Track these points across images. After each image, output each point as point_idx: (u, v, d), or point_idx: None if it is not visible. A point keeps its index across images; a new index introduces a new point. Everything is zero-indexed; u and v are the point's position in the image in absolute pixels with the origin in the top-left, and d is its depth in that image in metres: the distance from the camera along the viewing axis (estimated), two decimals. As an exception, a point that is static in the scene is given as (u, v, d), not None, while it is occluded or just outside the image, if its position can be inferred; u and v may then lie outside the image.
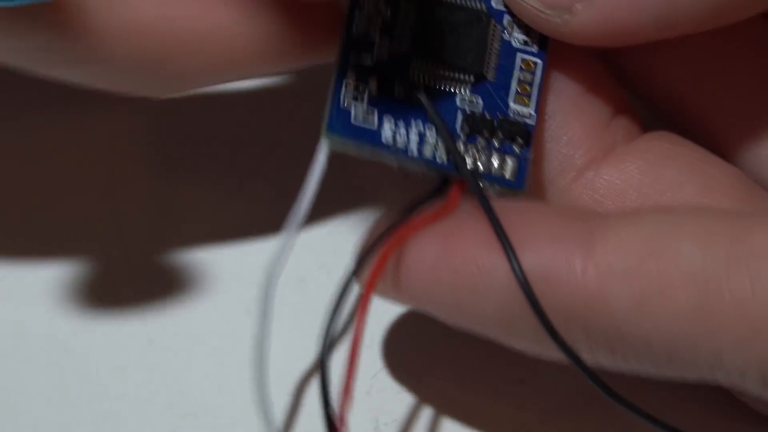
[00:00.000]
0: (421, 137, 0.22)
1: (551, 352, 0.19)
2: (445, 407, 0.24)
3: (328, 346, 0.21)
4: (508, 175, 0.22)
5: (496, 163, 0.22)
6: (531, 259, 0.18)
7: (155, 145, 0.27)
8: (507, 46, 0.23)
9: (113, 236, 0.26)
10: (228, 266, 0.26)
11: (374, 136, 0.22)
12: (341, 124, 0.22)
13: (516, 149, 0.22)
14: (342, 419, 0.21)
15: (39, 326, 0.25)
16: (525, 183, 0.22)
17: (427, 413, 0.24)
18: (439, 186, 0.22)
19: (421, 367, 0.25)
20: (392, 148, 0.22)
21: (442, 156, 0.22)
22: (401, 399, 0.24)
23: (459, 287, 0.19)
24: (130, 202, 0.26)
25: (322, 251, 0.26)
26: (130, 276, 0.26)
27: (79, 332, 0.25)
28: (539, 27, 0.20)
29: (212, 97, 0.27)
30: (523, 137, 0.22)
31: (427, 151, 0.22)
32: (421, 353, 0.25)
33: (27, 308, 0.25)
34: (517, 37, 0.22)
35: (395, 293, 0.20)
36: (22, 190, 0.26)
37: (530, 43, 0.22)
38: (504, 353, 0.25)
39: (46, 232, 0.26)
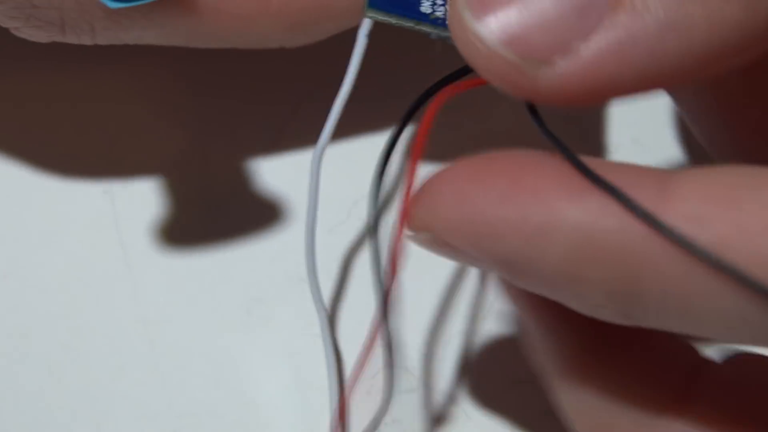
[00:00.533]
0: None
1: (604, 307, 0.17)
2: (444, 407, 0.24)
3: (378, 209, 0.21)
4: None
5: None
6: (603, 203, 0.16)
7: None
8: None
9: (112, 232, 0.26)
10: (228, 266, 0.26)
11: (413, 7, 0.22)
12: None
13: None
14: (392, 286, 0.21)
15: (39, 326, 0.25)
16: None
17: (427, 413, 0.24)
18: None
19: (421, 367, 0.25)
20: (431, 18, 0.22)
21: None
22: (401, 399, 0.24)
23: (524, 228, 0.17)
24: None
25: (322, 251, 0.26)
26: (131, 276, 0.26)
27: (79, 332, 0.25)
28: (511, 82, 0.17)
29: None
30: None
31: None
32: (421, 353, 0.25)
33: (27, 308, 0.25)
34: None
35: (444, 229, 0.18)
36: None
37: None
38: (504, 353, 0.25)
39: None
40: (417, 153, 0.20)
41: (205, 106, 0.27)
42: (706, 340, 0.21)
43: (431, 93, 0.20)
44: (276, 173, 0.27)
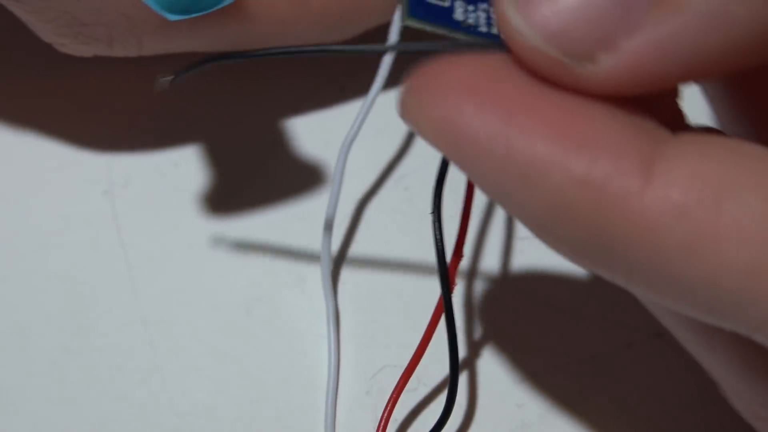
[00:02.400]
0: (488, 15, 0.23)
1: (573, 255, 0.17)
2: (445, 407, 0.24)
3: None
4: None
5: None
6: (589, 165, 0.16)
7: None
8: None
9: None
10: (228, 266, 0.26)
11: (448, 16, 0.23)
12: (420, 6, 0.22)
13: None
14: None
15: (39, 326, 0.25)
16: None
17: (427, 413, 0.24)
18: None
19: (420, 367, 0.25)
20: (463, 26, 0.23)
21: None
22: (401, 399, 0.24)
23: (510, 168, 0.17)
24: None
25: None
26: (131, 276, 0.26)
27: (79, 332, 0.25)
28: (555, 77, 0.18)
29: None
30: None
31: (495, 28, 0.23)
32: (421, 353, 0.25)
33: (27, 308, 0.25)
34: None
35: (438, 141, 0.18)
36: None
37: None
38: (503, 353, 0.25)
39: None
40: None
41: (209, 109, 0.28)
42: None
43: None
44: (276, 173, 0.27)
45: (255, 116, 0.27)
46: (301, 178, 0.27)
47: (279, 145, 0.27)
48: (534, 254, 0.26)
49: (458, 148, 0.17)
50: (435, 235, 0.22)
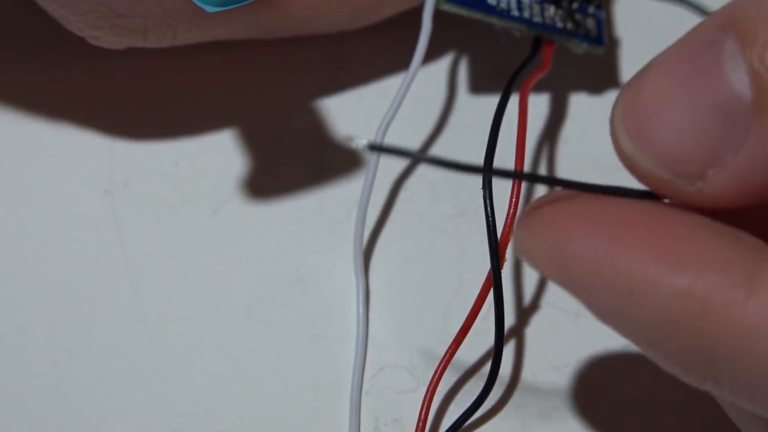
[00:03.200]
0: (519, 1, 0.25)
1: (677, 369, 0.18)
2: (447, 407, 0.24)
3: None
4: (590, 33, 0.26)
5: (580, 22, 0.26)
6: (693, 281, 0.17)
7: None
8: None
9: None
10: (228, 266, 0.26)
11: (482, 0, 0.25)
12: None
13: (591, 10, 0.26)
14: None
15: (39, 326, 0.25)
16: (604, 40, 0.26)
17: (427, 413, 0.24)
18: (533, 49, 0.25)
19: (421, 367, 0.25)
20: (497, 10, 0.25)
21: (537, 17, 0.25)
22: (401, 399, 0.24)
23: (617, 287, 0.17)
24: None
25: (322, 250, 0.26)
26: (131, 276, 0.26)
27: (79, 332, 0.25)
28: (669, 195, 0.18)
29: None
30: None
31: (525, 12, 0.25)
32: (421, 353, 0.25)
33: (27, 308, 0.25)
34: None
35: (549, 269, 0.19)
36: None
37: None
38: (504, 353, 0.25)
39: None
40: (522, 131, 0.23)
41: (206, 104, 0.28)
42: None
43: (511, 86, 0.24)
44: (275, 173, 0.27)
45: (254, 116, 0.27)
46: (301, 178, 0.27)
47: (279, 145, 0.27)
48: (534, 254, 0.26)
49: (568, 272, 0.18)
50: (486, 208, 0.22)
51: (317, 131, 0.27)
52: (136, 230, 0.26)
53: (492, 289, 0.23)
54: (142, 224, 0.26)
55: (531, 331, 0.25)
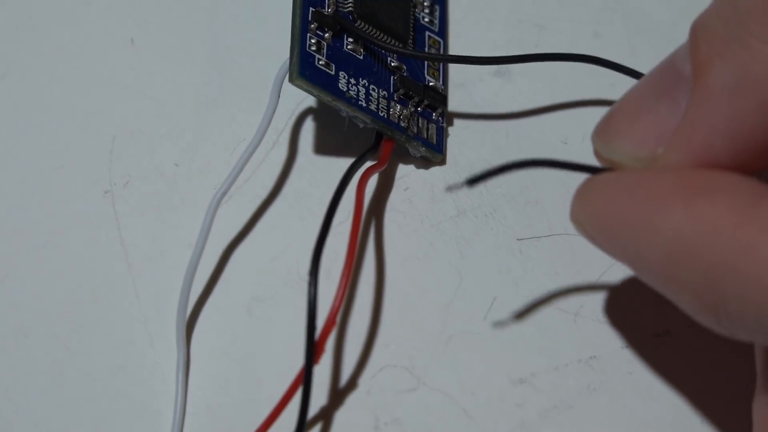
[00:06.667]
0: (368, 91, 0.25)
1: (694, 302, 0.20)
2: (444, 407, 0.24)
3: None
4: (431, 138, 0.26)
5: (422, 126, 0.26)
6: (702, 206, 0.19)
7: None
8: (417, 21, 0.27)
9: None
10: (228, 266, 0.26)
11: (333, 83, 0.25)
12: (308, 68, 0.25)
13: (434, 116, 0.27)
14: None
15: (39, 326, 0.25)
16: (443, 147, 0.27)
17: (427, 413, 0.24)
18: (374, 144, 0.26)
19: (421, 367, 0.25)
20: (346, 96, 0.25)
21: (383, 112, 0.26)
22: (401, 399, 0.24)
23: (640, 220, 0.20)
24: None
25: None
26: (131, 276, 0.26)
27: (79, 332, 0.25)
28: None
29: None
30: (441, 105, 0.27)
31: (373, 105, 0.25)
32: (421, 353, 0.25)
33: (27, 308, 0.25)
34: (423, 15, 0.28)
35: (584, 217, 0.22)
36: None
37: (434, 22, 0.28)
38: (504, 353, 0.25)
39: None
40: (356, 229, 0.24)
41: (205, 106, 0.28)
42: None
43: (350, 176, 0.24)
44: (276, 173, 0.27)
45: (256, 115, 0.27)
46: (301, 177, 0.27)
47: (279, 145, 0.27)
48: (534, 254, 0.26)
49: (609, 220, 0.21)
50: (309, 297, 0.22)
51: (317, 131, 0.27)
52: (136, 230, 0.26)
53: (302, 386, 0.22)
54: (142, 224, 0.26)
55: (531, 331, 0.25)
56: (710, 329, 0.20)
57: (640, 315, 0.25)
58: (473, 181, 0.21)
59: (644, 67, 0.27)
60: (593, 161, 0.22)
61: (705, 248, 0.19)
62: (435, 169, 0.27)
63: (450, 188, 0.22)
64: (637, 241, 0.20)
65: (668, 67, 0.22)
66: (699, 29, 0.21)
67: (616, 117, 0.22)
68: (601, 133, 0.22)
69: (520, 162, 0.21)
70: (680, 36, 0.25)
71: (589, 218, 0.21)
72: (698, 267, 0.19)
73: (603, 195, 0.21)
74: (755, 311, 0.18)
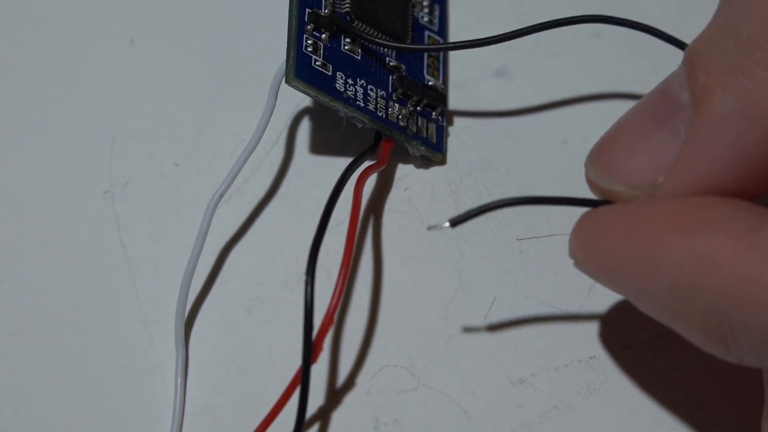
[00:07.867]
0: (366, 91, 0.25)
1: (702, 336, 0.20)
2: (444, 407, 0.24)
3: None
4: (430, 137, 0.26)
5: (421, 126, 0.26)
6: (700, 241, 0.19)
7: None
8: (417, 21, 0.27)
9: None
10: (228, 266, 0.26)
11: (330, 84, 0.25)
12: (304, 69, 0.24)
13: (434, 115, 0.27)
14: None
15: (39, 326, 0.25)
16: (443, 146, 0.27)
17: (427, 413, 0.24)
18: (373, 144, 0.26)
19: (420, 367, 0.25)
20: (344, 96, 0.25)
21: (381, 111, 0.25)
22: (401, 399, 0.24)
23: (639, 259, 0.20)
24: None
25: (321, 250, 0.26)
26: (131, 276, 0.26)
27: (79, 332, 0.25)
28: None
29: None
30: (441, 105, 0.27)
31: (371, 105, 0.25)
32: (421, 353, 0.25)
33: (27, 308, 0.25)
34: (422, 14, 0.27)
35: (582, 255, 0.22)
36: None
37: (433, 22, 0.28)
38: (504, 354, 0.25)
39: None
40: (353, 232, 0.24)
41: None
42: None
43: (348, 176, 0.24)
44: (276, 173, 0.27)
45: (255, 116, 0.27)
46: (301, 177, 0.27)
47: (279, 144, 0.27)
48: (534, 254, 0.26)
49: (604, 259, 0.21)
50: (306, 296, 0.22)
51: (316, 131, 0.27)
52: (136, 230, 0.26)
53: (299, 386, 0.22)
54: (142, 224, 0.26)
55: (531, 331, 0.25)
56: (720, 359, 0.20)
57: (640, 315, 0.25)
58: (457, 222, 0.21)
59: (644, 67, 0.28)
60: None
61: (706, 285, 0.19)
62: (435, 169, 0.27)
63: (431, 228, 0.23)
64: (638, 280, 0.20)
65: (663, 95, 0.21)
66: (695, 56, 0.21)
67: (612, 145, 0.22)
68: (595, 161, 0.22)
69: (503, 201, 0.22)
70: (680, 36, 0.25)
71: (587, 257, 0.21)
72: (702, 303, 0.19)
73: (600, 233, 0.21)
74: (765, 339, 0.19)
